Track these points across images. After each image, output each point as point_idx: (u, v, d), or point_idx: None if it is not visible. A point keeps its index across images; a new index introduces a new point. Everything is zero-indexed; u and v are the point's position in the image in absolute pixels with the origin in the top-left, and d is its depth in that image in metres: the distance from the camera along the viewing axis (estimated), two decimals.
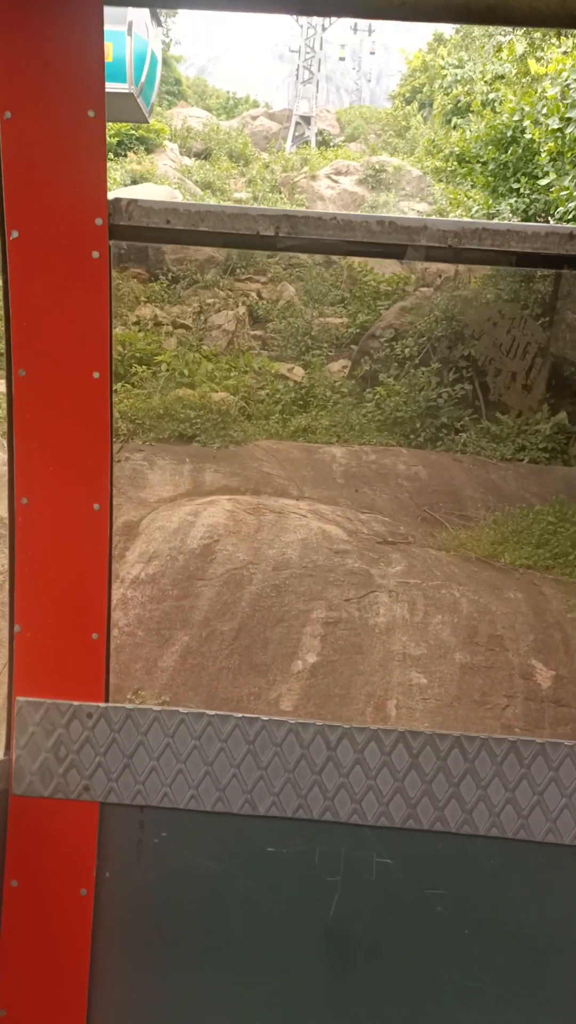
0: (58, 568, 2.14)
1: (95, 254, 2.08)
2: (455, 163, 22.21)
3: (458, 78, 31.23)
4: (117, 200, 2.08)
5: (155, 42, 18.04)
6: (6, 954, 2.16)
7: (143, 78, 16.94)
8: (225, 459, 13.12)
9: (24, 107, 2.02)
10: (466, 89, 31.14)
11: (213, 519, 11.01)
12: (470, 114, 29.82)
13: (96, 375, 2.11)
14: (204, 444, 13.94)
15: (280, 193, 31.87)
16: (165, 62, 62.86)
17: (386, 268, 27.13)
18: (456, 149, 31.83)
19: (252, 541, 10.59)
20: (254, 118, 48.88)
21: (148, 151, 32.04)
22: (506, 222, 4.85)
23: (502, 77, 31.24)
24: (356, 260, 25.23)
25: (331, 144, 44.84)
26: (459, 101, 31.26)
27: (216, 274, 26.24)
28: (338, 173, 32.83)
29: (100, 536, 2.14)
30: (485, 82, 31.59)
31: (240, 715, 2.15)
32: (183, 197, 27.05)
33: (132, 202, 2.07)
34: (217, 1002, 2.20)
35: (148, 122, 25.06)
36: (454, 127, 31.17)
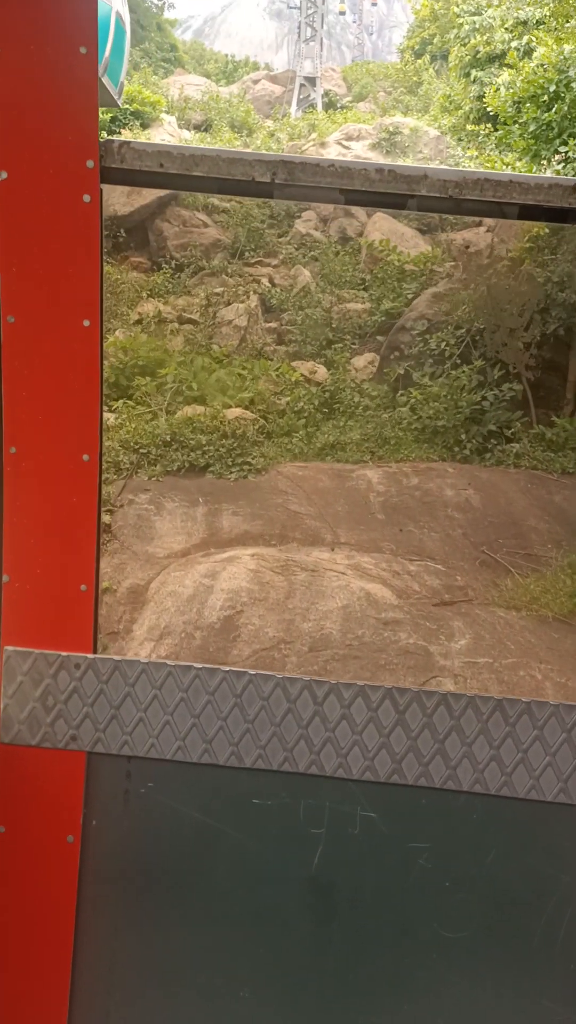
0: (47, 519, 2.12)
1: (86, 198, 2.02)
2: (487, 124, 19.84)
3: (476, 26, 28.62)
4: (109, 142, 2.02)
5: (122, 4, 14.92)
6: None
7: (107, 52, 13.94)
8: (245, 494, 11.19)
9: (13, 44, 1.97)
10: (485, 38, 28.59)
11: (234, 582, 9.12)
12: (504, 67, 27.35)
13: (86, 323, 2.06)
14: (219, 475, 11.97)
15: None
16: (159, 27, 60.25)
17: (409, 244, 24.86)
18: (476, 106, 29.44)
19: (282, 611, 8.69)
20: (255, 82, 46.20)
21: (144, 126, 29.76)
22: (508, 172, 4.15)
23: (525, 23, 28.67)
24: (377, 238, 22.99)
25: (339, 106, 42.19)
26: (478, 52, 28.75)
27: (223, 259, 24.08)
28: (349, 138, 30.42)
29: (90, 487, 2.11)
30: (506, 29, 29.04)
31: (227, 668, 2.16)
32: None
33: (124, 144, 2.03)
34: (201, 949, 2.21)
35: (118, 105, 21.77)
36: (474, 80, 28.71)
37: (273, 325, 19.95)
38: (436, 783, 2.12)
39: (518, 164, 15.07)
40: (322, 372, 16.80)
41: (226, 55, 71.47)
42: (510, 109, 15.08)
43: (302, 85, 40.89)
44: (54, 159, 2.01)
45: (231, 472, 11.93)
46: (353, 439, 13.50)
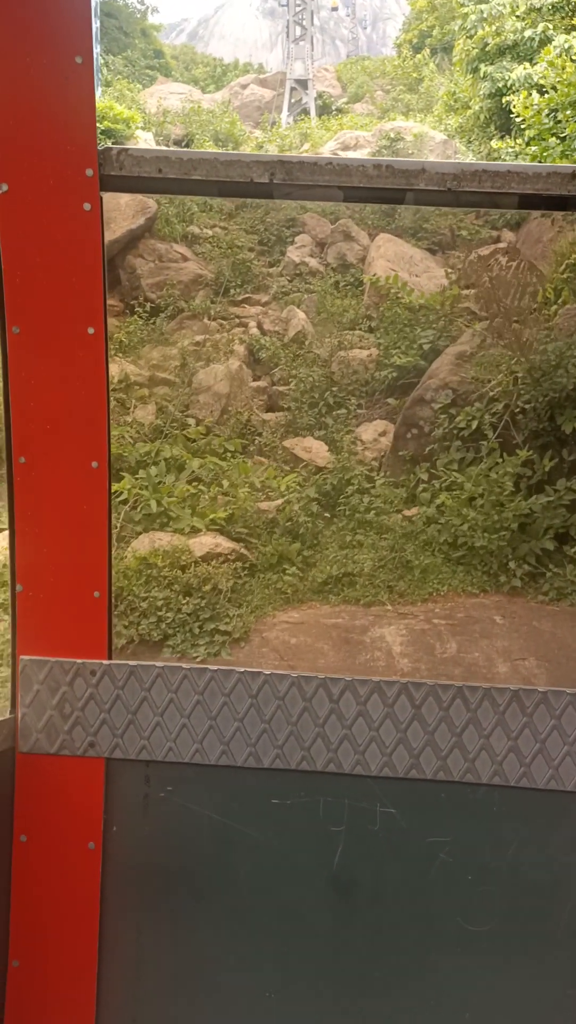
0: (58, 527, 2.11)
1: (86, 206, 2.02)
2: (515, 140, 16.41)
3: (484, 16, 25.08)
4: (108, 150, 2.00)
5: None
6: (18, 907, 2.15)
7: None
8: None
9: (8, 55, 1.95)
10: (495, 28, 25.05)
11: None
12: (517, 60, 23.86)
13: (91, 331, 2.05)
14: (182, 652, 8.59)
15: None
16: (144, 33, 56.88)
17: (418, 268, 21.39)
18: (487, 105, 25.95)
19: None
20: (244, 87, 42.73)
21: (116, 144, 26.44)
22: (507, 162, 2.97)
23: (539, 9, 25.08)
24: (381, 267, 19.54)
25: (334, 108, 38.70)
26: (486, 44, 25.24)
27: (205, 298, 20.67)
28: (345, 147, 26.96)
29: (99, 494, 2.10)
30: (517, 17, 25.48)
31: (243, 669, 2.14)
32: (156, 204, 21.42)
33: (123, 151, 2.01)
34: (225, 951, 2.19)
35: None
36: (484, 76, 25.21)
37: (263, 384, 16.54)
38: (455, 776, 2.11)
39: None
40: (321, 451, 13.40)
41: (216, 58, 68.21)
42: (546, 120, 11.61)
43: (293, 88, 37.41)
44: (53, 169, 2.00)
45: (197, 646, 8.56)
46: (364, 566, 10.08)
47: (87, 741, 2.17)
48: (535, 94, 12.62)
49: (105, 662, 2.16)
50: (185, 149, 2.55)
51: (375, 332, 17.43)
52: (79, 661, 2.15)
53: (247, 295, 20.83)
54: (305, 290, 21.21)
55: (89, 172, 2.01)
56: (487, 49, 25.72)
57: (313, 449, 13.36)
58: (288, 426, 14.50)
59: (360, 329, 18.55)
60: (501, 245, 23.06)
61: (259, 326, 18.54)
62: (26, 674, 2.14)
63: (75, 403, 2.08)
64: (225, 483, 11.23)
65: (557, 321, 14.13)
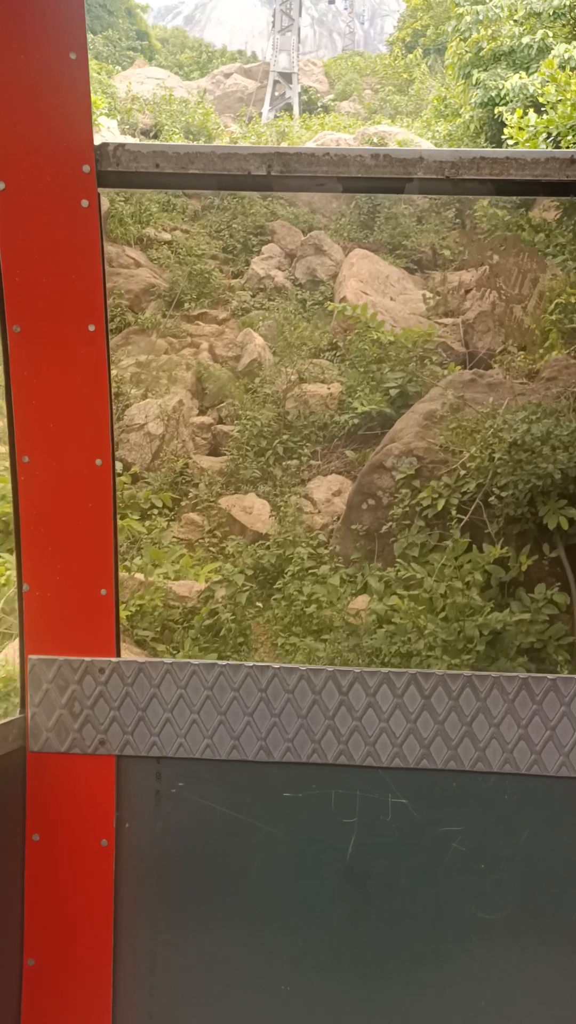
0: (63, 526, 2.10)
1: (84, 203, 2.01)
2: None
3: (480, 18, 23.10)
4: (104, 145, 2.00)
5: None
6: (32, 906, 2.15)
7: None
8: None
9: (3, 52, 1.93)
10: (490, 32, 23.10)
11: None
12: (513, 68, 21.94)
13: (92, 328, 2.04)
14: None
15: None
16: (129, 12, 54.26)
17: (395, 290, 19.43)
18: (478, 115, 24.03)
19: None
20: (227, 76, 40.49)
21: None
22: (505, 149, 2.61)
23: (539, 15, 23.13)
24: (351, 294, 17.54)
25: (319, 105, 36.59)
26: (481, 48, 23.29)
27: (156, 311, 18.56)
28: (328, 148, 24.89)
29: (104, 492, 2.10)
30: (515, 22, 23.52)
31: (251, 664, 2.15)
32: (108, 202, 19.29)
33: (120, 147, 1.99)
34: (240, 945, 2.18)
35: None
36: (476, 83, 23.26)
37: (207, 419, 14.50)
38: (466, 766, 2.09)
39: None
40: (263, 514, 11.40)
41: (207, 43, 65.64)
42: (543, 145, 9.70)
43: (276, 82, 35.19)
44: (50, 166, 1.98)
45: None
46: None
47: (97, 739, 2.14)
48: (531, 114, 10.70)
49: (114, 659, 2.13)
50: (182, 143, 2.05)
51: (339, 364, 15.42)
52: (88, 659, 2.12)
53: (203, 310, 18.75)
54: (267, 308, 19.16)
55: (86, 168, 1.98)
56: (481, 54, 23.76)
57: (255, 510, 11.38)
58: (230, 476, 12.50)
59: (324, 357, 16.57)
60: (483, 268, 21.21)
61: (211, 349, 16.48)
62: (35, 673, 2.12)
63: (78, 401, 2.06)
64: (137, 562, 9.23)
65: (543, 372, 12.22)
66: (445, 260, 21.39)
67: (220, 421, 14.42)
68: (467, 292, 20.28)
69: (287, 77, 35.16)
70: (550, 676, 2.10)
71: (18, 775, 2.16)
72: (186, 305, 18.59)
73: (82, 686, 2.15)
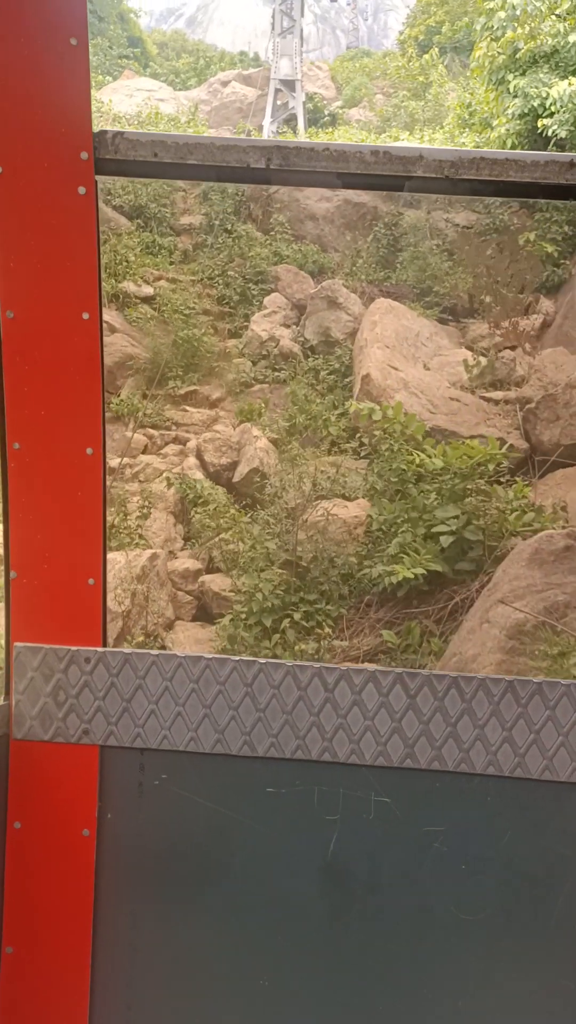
0: (53, 514, 2.09)
1: (81, 190, 1.98)
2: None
3: (516, 14, 19.33)
4: (103, 133, 1.97)
5: None
6: (12, 894, 2.14)
7: None
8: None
9: (4, 36, 1.92)
10: (528, 30, 19.33)
11: None
12: (557, 71, 18.25)
13: (86, 316, 2.02)
14: None
15: (247, 221, 20.14)
16: (121, 17, 50.46)
17: (425, 349, 15.70)
18: (516, 127, 20.31)
19: None
20: (224, 84, 36.77)
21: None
22: (505, 151, 3.24)
23: None
24: (376, 366, 13.85)
25: (325, 114, 32.83)
26: (517, 49, 19.56)
27: (134, 390, 14.93)
28: None
29: (94, 481, 2.08)
30: (558, 17, 19.77)
31: (237, 658, 2.12)
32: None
33: (118, 134, 1.97)
34: (219, 938, 2.18)
35: None
36: (514, 93, 19.52)
37: (193, 565, 10.81)
38: (449, 766, 2.09)
39: None
40: None
41: (207, 44, 61.96)
42: None
43: (278, 90, 31.34)
44: (48, 152, 1.97)
45: None
46: None
47: (81, 728, 2.11)
48: None
49: (100, 649, 2.10)
50: (181, 133, 2.13)
51: (367, 472, 11.71)
52: (73, 648, 2.10)
53: (192, 387, 15.08)
54: (272, 381, 15.44)
55: (84, 155, 1.94)
56: (518, 56, 19.92)
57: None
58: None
59: (347, 452, 12.87)
60: (537, 318, 17.46)
61: (200, 454, 12.79)
62: (20, 661, 2.11)
63: (70, 389, 2.03)
64: None
65: None
66: (486, 307, 17.68)
67: (210, 565, 10.74)
68: (517, 346, 16.54)
69: (290, 85, 31.35)
70: (535, 680, 2.05)
71: (1, 762, 2.12)
72: (172, 382, 14.95)
73: (67, 675, 2.10)
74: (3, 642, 2.23)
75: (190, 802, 2.13)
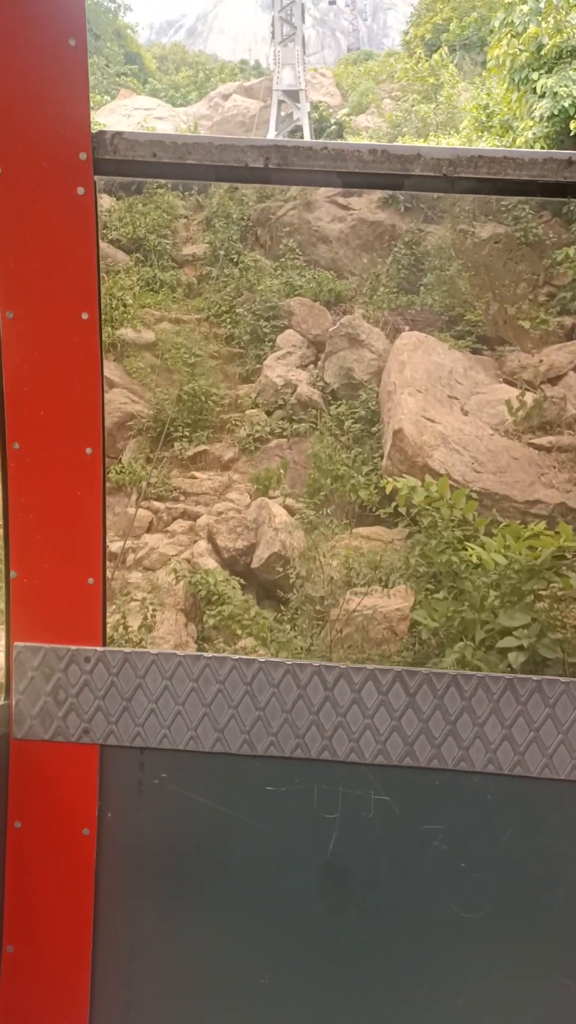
0: (52, 513, 2.10)
1: (80, 190, 1.98)
2: None
3: (540, 7, 17.56)
4: (101, 133, 1.97)
5: None
6: (12, 892, 2.14)
7: None
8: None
9: (2, 37, 1.92)
10: (552, 24, 17.59)
11: None
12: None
13: (85, 316, 2.03)
14: None
15: (255, 248, 18.49)
16: (118, 33, 48.92)
17: (471, 424, 13.87)
18: (542, 131, 18.47)
19: None
20: (225, 98, 35.13)
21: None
22: (503, 149, 2.01)
23: None
24: (408, 417, 12.13)
25: (331, 123, 31.08)
26: (542, 45, 17.81)
27: (138, 452, 13.31)
28: (348, 191, 19.40)
29: (94, 480, 2.08)
30: None
31: (237, 657, 2.12)
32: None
33: (117, 134, 1.97)
34: (219, 937, 2.17)
35: None
36: (541, 93, 17.72)
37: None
38: (449, 764, 2.08)
39: None
40: None
41: (209, 55, 60.51)
42: None
43: (281, 101, 29.57)
44: (47, 153, 1.97)
45: None
46: None
47: (81, 727, 2.10)
48: None
49: (99, 649, 2.10)
50: (180, 133, 1.97)
51: (407, 557, 9.94)
52: (73, 648, 2.10)
53: (202, 446, 13.37)
54: (290, 435, 13.71)
55: (83, 156, 1.94)
56: (543, 52, 18.12)
57: None
58: None
59: (382, 520, 11.12)
60: None
61: (211, 537, 11.05)
62: (20, 660, 2.11)
63: (69, 389, 2.03)
64: None
65: None
66: (522, 332, 15.83)
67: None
68: (564, 375, 14.68)
69: (293, 95, 29.57)
70: (535, 677, 2.05)
71: (1, 762, 2.12)
72: (177, 442, 13.25)
73: (67, 674, 2.10)
74: (3, 642, 2.18)
75: (190, 801, 2.12)
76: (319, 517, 11.11)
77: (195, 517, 11.63)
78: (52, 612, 2.09)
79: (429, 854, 2.09)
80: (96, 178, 1.95)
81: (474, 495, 10.47)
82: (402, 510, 9.93)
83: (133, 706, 2.09)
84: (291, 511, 11.39)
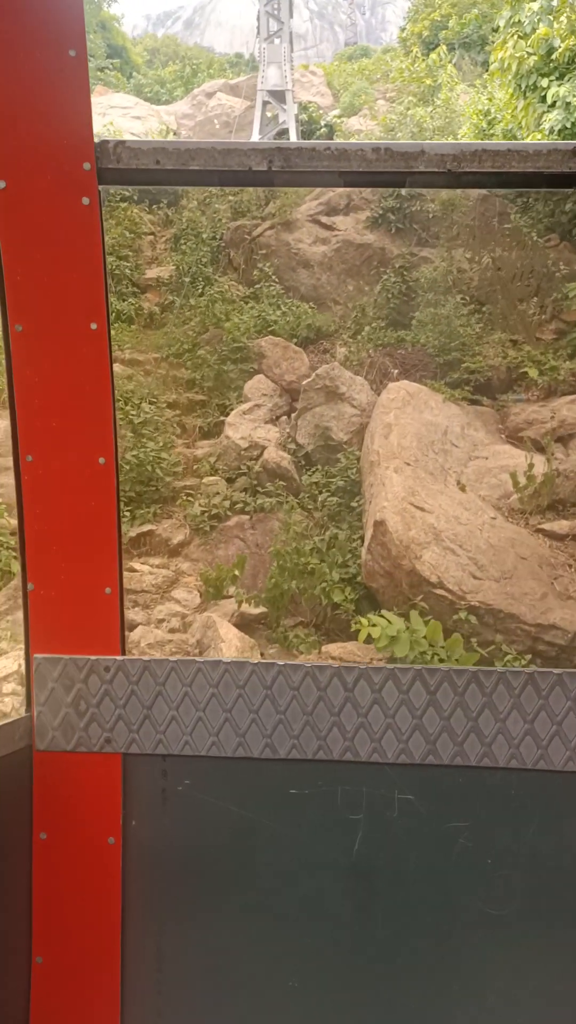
0: (67, 524, 2.10)
1: (85, 200, 1.99)
2: None
3: (552, 5, 15.39)
4: (104, 142, 1.98)
5: None
6: (40, 904, 2.14)
7: None
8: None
9: (3, 50, 1.93)
10: (565, 24, 15.38)
11: None
12: None
13: (94, 326, 2.03)
14: None
15: (227, 271, 16.25)
16: (103, 25, 46.40)
17: (482, 540, 11.68)
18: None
19: None
20: (209, 95, 32.80)
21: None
22: (506, 142, 1.95)
23: None
24: (394, 528, 9.95)
25: (321, 125, 28.77)
26: (553, 48, 15.68)
27: None
28: (332, 209, 17.16)
29: (107, 490, 2.08)
30: None
31: (256, 661, 2.12)
32: None
33: (120, 143, 1.99)
34: (247, 942, 2.17)
35: None
36: (551, 102, 15.54)
37: None
38: (472, 761, 2.08)
39: None
40: None
41: (202, 47, 58.10)
42: None
43: (266, 102, 27.22)
44: (51, 164, 1.98)
45: None
46: None
47: (103, 737, 2.11)
48: None
49: (118, 658, 2.10)
50: (182, 140, 2.30)
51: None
52: (92, 658, 2.10)
53: (147, 525, 11.17)
54: (255, 510, 11.52)
55: (87, 166, 1.95)
56: (554, 56, 15.96)
57: None
58: None
59: (359, 632, 8.94)
60: None
61: None
62: (40, 672, 2.11)
63: (80, 399, 2.03)
64: None
65: None
66: (530, 382, 13.63)
67: None
68: None
69: (279, 96, 27.23)
70: (556, 671, 2.04)
71: (25, 774, 2.12)
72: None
73: (87, 685, 2.10)
74: (23, 654, 2.12)
75: (213, 806, 2.11)
76: (280, 632, 8.92)
77: (132, 628, 9.41)
78: (70, 623, 2.08)
79: (455, 852, 2.07)
80: (100, 188, 1.95)
81: (472, 618, 8.25)
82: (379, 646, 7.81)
83: (154, 714, 2.09)
84: (246, 622, 9.18)
